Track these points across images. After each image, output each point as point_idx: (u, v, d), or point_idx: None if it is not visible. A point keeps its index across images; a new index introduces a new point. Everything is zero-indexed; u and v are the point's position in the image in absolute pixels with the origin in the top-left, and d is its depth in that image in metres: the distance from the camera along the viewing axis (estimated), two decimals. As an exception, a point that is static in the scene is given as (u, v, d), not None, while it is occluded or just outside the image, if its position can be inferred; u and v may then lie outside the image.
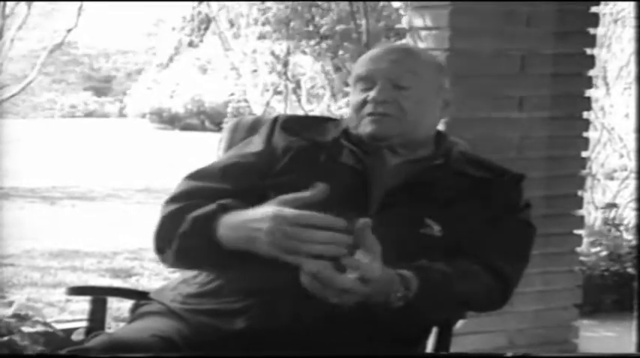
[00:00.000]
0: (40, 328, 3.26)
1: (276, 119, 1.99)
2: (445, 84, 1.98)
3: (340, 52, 6.25)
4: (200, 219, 1.78)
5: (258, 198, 1.84)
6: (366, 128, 1.91)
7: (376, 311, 1.72)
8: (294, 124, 1.98)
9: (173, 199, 1.90)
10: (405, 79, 1.91)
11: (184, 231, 1.80)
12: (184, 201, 1.87)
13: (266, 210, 1.70)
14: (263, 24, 6.73)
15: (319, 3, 6.46)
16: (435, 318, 1.97)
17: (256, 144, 1.96)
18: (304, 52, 6.63)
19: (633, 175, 5.31)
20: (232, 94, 14.24)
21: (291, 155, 1.91)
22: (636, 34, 4.64)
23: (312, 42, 6.32)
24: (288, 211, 1.66)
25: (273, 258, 1.67)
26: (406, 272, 1.72)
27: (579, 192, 3.65)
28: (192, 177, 1.94)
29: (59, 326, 3.46)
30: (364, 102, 1.92)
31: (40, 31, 14.81)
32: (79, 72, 20.04)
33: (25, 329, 3.22)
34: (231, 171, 1.92)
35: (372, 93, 1.90)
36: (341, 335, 1.78)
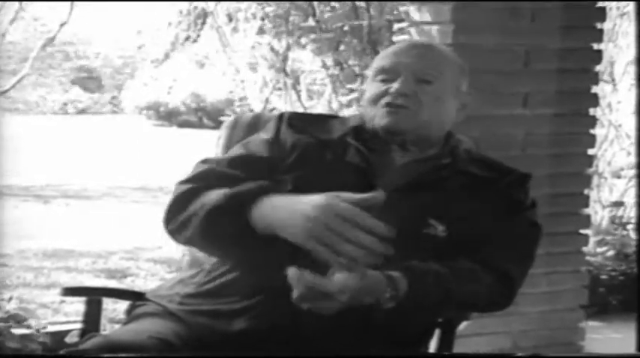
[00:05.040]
0: (29, 331, 3.28)
1: (281, 116, 2.01)
2: (464, 86, 2.00)
3: (341, 48, 6.25)
4: (237, 196, 1.77)
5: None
6: (381, 120, 1.92)
7: (373, 312, 1.73)
8: (300, 121, 2.00)
9: (188, 180, 1.92)
10: (428, 74, 1.93)
11: (216, 206, 1.78)
12: (200, 182, 1.89)
13: (319, 197, 1.68)
14: (262, 19, 6.72)
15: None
16: (433, 319, 1.98)
17: (265, 138, 1.97)
18: (303, 47, 6.62)
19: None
20: (233, 92, 14.23)
21: (297, 153, 1.93)
22: (636, 33, 4.64)
23: (313, 36, 6.31)
24: (344, 204, 1.65)
25: (300, 246, 1.66)
26: (394, 274, 1.74)
27: (585, 191, 3.65)
28: (207, 161, 1.97)
29: (53, 328, 3.48)
30: (384, 94, 1.93)
31: (32, 26, 14.80)
32: (71, 67, 20.02)
33: (16, 331, 3.25)
34: (241, 161, 1.93)
35: (395, 85, 1.92)
36: (339, 336, 1.79)
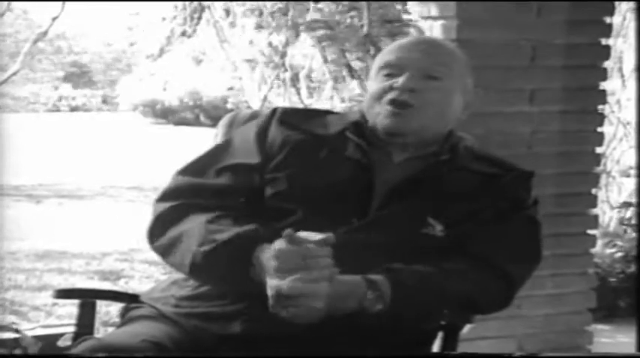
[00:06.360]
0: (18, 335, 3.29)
1: (274, 112, 2.00)
2: (470, 84, 1.99)
3: (344, 45, 6.27)
4: (245, 237, 1.79)
5: (254, 192, 1.87)
6: (383, 121, 1.91)
7: (363, 316, 1.74)
8: (292, 117, 1.98)
9: (165, 196, 1.91)
10: (436, 70, 1.92)
11: (225, 242, 1.79)
12: (179, 198, 1.89)
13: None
14: (260, 13, 6.74)
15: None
16: (429, 323, 1.96)
17: (250, 137, 1.96)
18: (303, 40, 6.64)
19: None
20: (231, 88, 14.22)
21: (287, 150, 1.92)
22: (636, 32, 4.64)
23: (312, 31, 6.33)
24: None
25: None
26: (375, 277, 1.75)
27: (593, 190, 3.65)
28: (185, 172, 1.95)
29: (45, 332, 3.48)
30: (388, 89, 1.91)
31: (24, 21, 14.80)
32: (63, 63, 20.00)
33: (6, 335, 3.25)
34: (224, 167, 1.93)
35: (400, 80, 1.90)
36: (335, 337, 1.79)
